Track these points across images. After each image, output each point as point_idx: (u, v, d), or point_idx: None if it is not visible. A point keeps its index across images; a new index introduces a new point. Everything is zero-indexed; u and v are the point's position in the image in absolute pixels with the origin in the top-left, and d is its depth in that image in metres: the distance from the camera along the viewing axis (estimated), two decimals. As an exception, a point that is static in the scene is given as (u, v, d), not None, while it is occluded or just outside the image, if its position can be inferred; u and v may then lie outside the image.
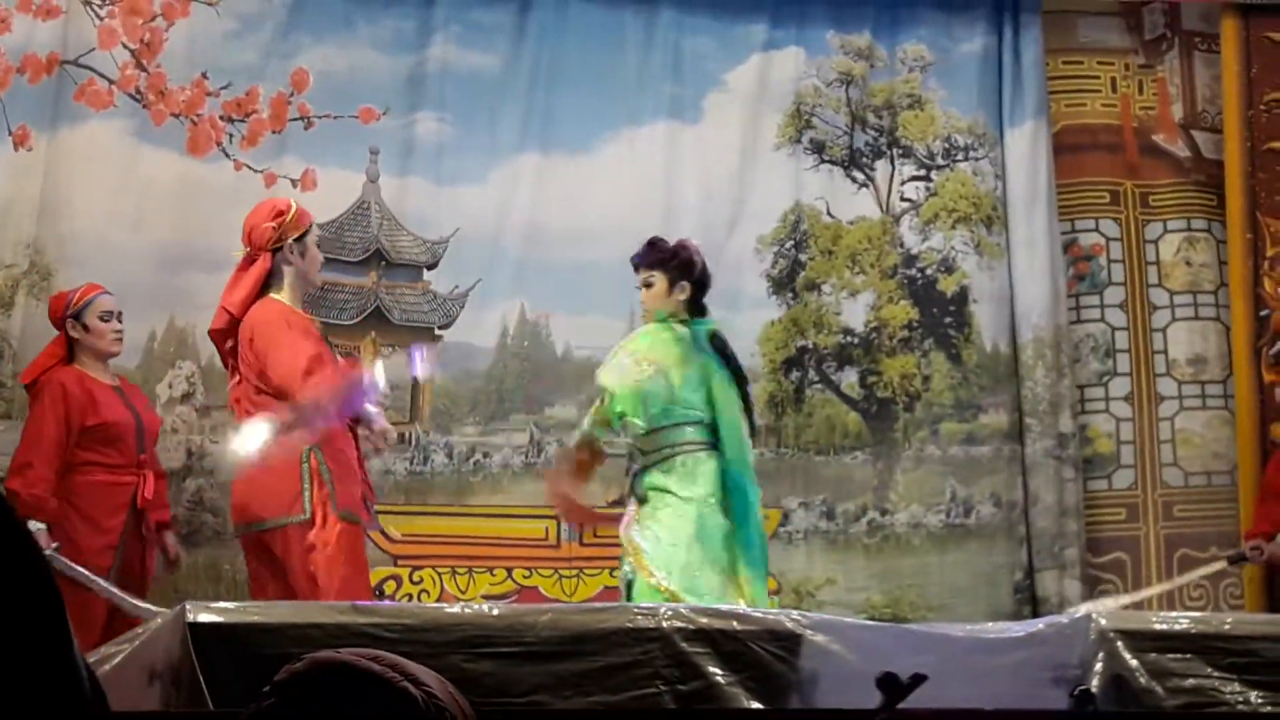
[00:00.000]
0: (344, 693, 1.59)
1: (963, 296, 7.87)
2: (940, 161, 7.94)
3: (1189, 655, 4.20)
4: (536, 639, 4.03)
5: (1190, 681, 4.19)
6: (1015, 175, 7.86)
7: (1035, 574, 7.55)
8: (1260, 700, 4.15)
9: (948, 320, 7.87)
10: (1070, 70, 8.05)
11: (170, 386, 7.10)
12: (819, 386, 7.78)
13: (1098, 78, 8.06)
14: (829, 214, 7.83)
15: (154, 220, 7.12)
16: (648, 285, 5.70)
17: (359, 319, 7.41)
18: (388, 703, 1.58)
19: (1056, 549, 7.55)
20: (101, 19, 7.16)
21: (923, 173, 7.95)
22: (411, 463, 7.39)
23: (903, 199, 7.92)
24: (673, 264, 5.69)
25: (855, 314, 7.80)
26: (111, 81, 7.13)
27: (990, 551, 7.66)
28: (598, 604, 4.95)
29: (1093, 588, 7.51)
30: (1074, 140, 8.00)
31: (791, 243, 7.79)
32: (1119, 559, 7.62)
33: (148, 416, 6.18)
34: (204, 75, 7.23)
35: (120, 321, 6.14)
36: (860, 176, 7.89)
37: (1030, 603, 7.48)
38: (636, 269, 5.76)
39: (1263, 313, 7.67)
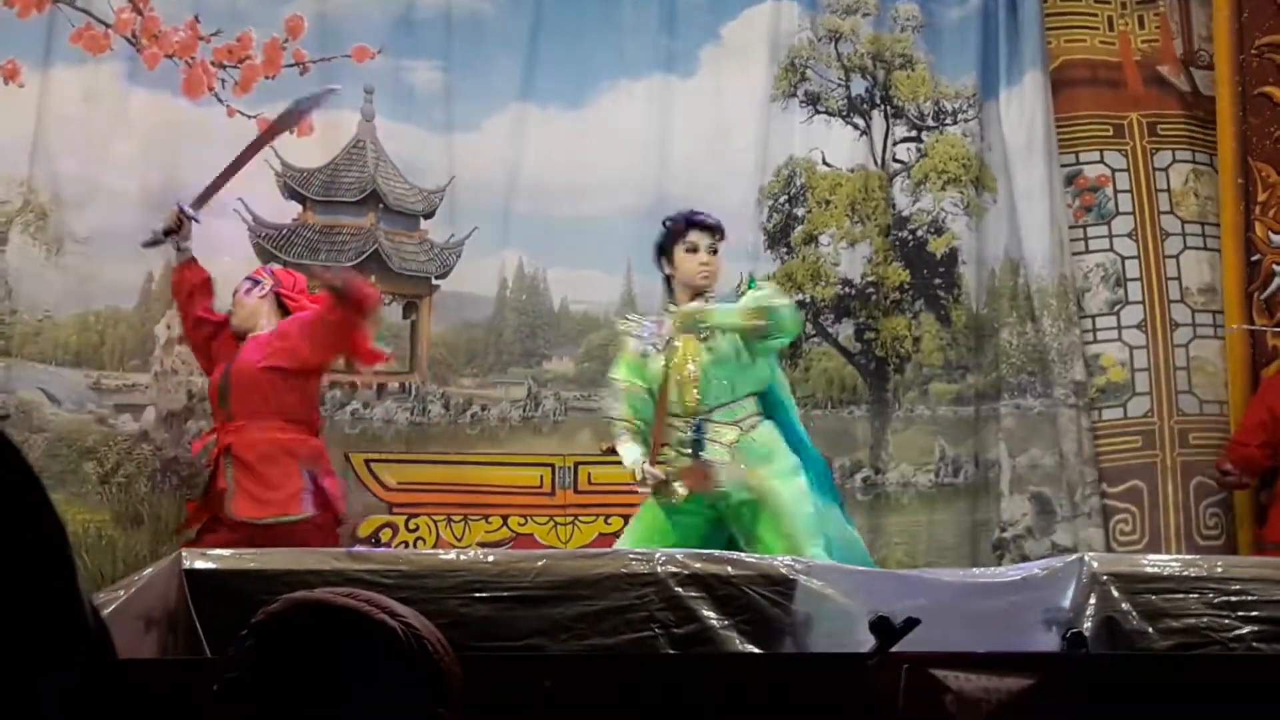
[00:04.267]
0: (322, 630, 1.61)
1: (952, 258, 7.87)
2: (930, 123, 7.93)
3: (1181, 596, 4.22)
4: (532, 584, 4.05)
5: (1182, 622, 4.21)
6: (1015, 128, 7.83)
7: (1059, 524, 7.57)
8: (1252, 638, 4.17)
9: (937, 282, 7.87)
10: (1067, 8, 8.03)
11: (169, 327, 7.13)
12: (816, 340, 7.78)
13: (1095, 15, 8.04)
14: (825, 163, 7.82)
15: (148, 163, 7.13)
16: (714, 252, 5.46)
17: (358, 260, 7.42)
18: (367, 636, 1.60)
19: (1079, 497, 7.57)
20: (100, -40, 7.16)
21: (914, 134, 7.94)
22: (412, 413, 7.41)
23: (895, 159, 7.91)
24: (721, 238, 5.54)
25: (854, 265, 7.80)
26: (108, 25, 7.13)
27: (974, 510, 7.69)
28: (592, 550, 4.97)
29: (1108, 520, 7.55)
30: (1075, 75, 7.98)
31: (785, 197, 7.79)
32: (1135, 487, 7.62)
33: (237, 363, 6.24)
34: (196, 18, 7.23)
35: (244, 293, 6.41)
36: (860, 124, 7.87)
37: (1016, 559, 7.47)
38: (713, 231, 5.51)
39: (1254, 257, 7.67)
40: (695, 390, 5.33)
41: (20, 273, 6.92)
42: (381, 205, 7.48)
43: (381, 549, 6.69)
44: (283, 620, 1.64)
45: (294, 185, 7.39)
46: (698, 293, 5.45)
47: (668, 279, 5.53)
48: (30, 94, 7.04)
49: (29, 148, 7.01)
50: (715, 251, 5.46)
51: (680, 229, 5.48)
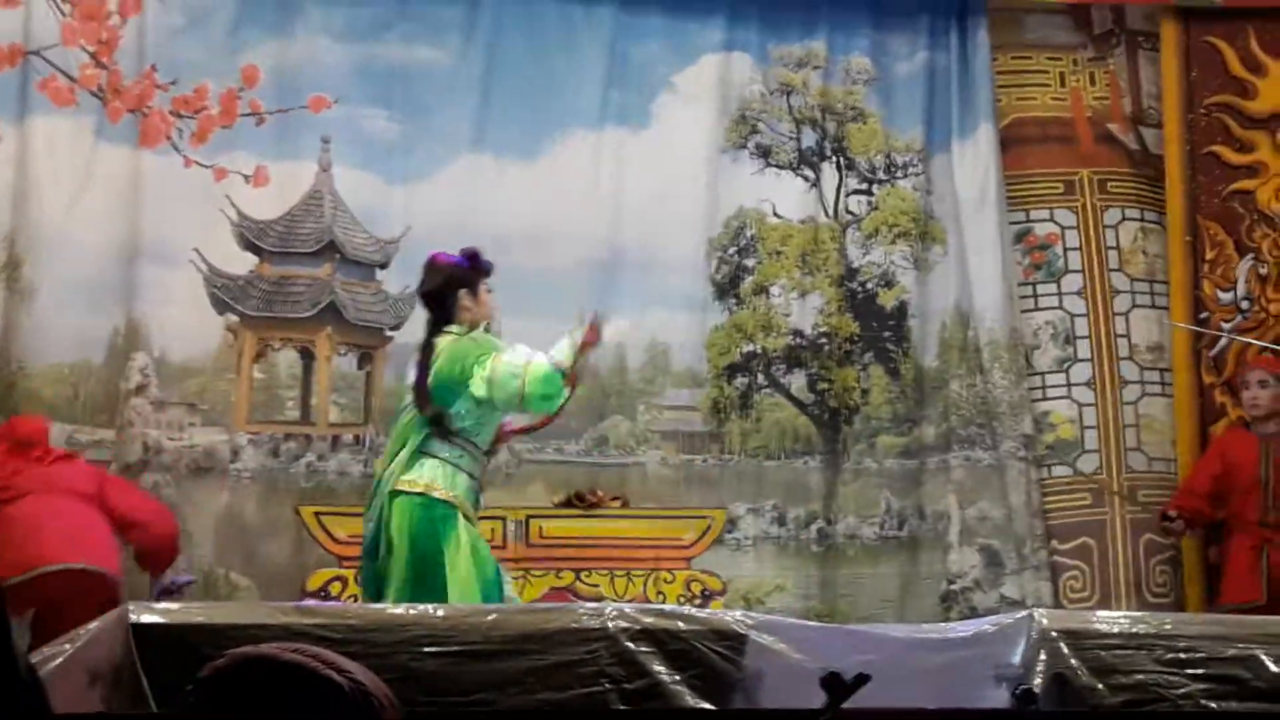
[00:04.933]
0: (269, 685, 1.60)
1: (901, 311, 7.91)
2: (881, 176, 7.97)
3: (1130, 652, 4.24)
4: (482, 639, 4.04)
5: (1132, 679, 4.23)
6: (967, 181, 7.88)
7: (1007, 577, 7.58)
8: (1201, 695, 4.19)
9: (886, 335, 7.90)
10: (1019, 65, 8.09)
11: (127, 380, 7.08)
12: (768, 391, 7.79)
13: (1047, 72, 8.10)
14: (775, 214, 7.85)
15: (113, 215, 7.13)
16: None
17: (314, 312, 7.39)
18: (313, 691, 1.59)
19: (1028, 550, 7.59)
20: (65, 14, 7.15)
21: (865, 186, 7.98)
22: (365, 465, 7.38)
23: (847, 211, 7.95)
24: None
25: (805, 316, 7.83)
26: (73, 79, 7.12)
27: (918, 563, 7.70)
28: (543, 604, 4.96)
29: (1058, 576, 7.57)
30: (1025, 133, 8.03)
31: (735, 249, 7.82)
32: (1085, 544, 7.64)
33: None
34: (153, 68, 7.22)
35: None
36: (811, 175, 7.92)
37: (966, 611, 7.48)
38: (488, 274, 5.67)
39: (1203, 315, 7.73)
40: None
41: (4, 327, 6.90)
42: (339, 255, 7.46)
43: (330, 603, 6.64)
44: (229, 675, 1.63)
45: (250, 237, 7.37)
46: (473, 328, 5.58)
47: (447, 310, 5.57)
48: (7, 148, 7.02)
49: (9, 202, 6.99)
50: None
51: (485, 269, 5.66)
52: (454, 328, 5.55)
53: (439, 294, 5.62)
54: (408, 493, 5.36)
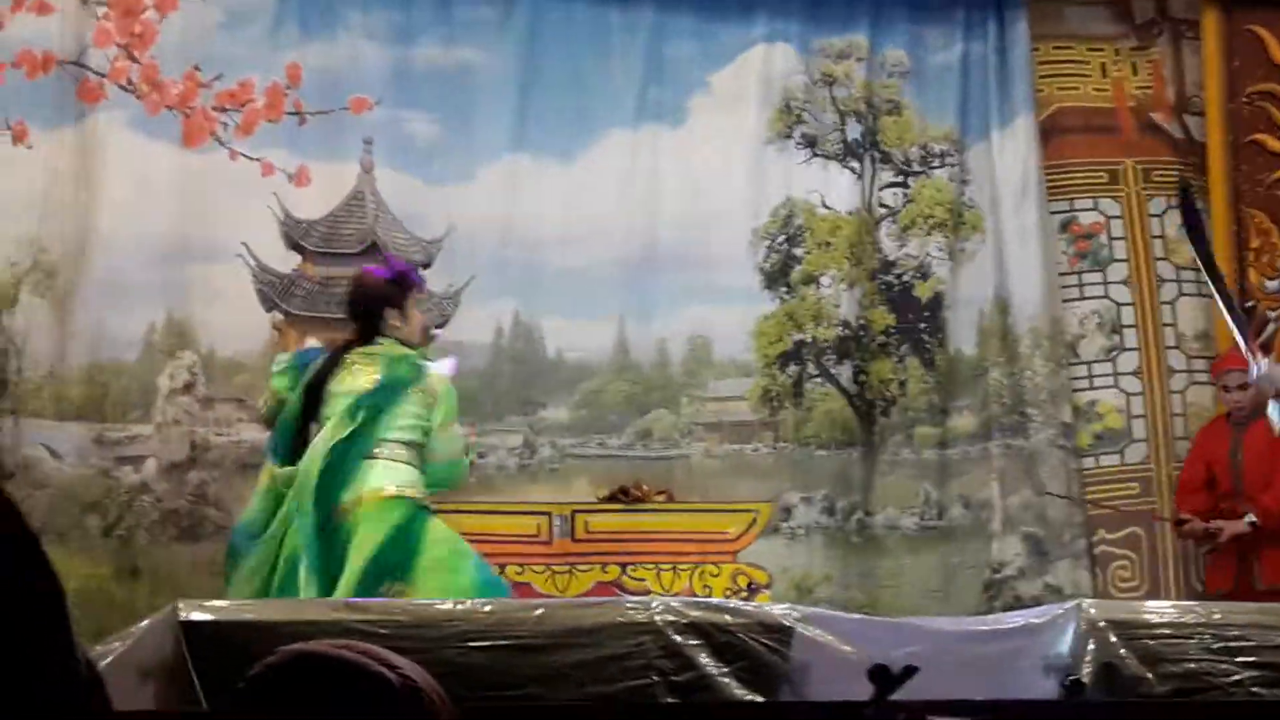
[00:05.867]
0: (320, 682, 1.61)
1: (937, 302, 7.90)
2: (916, 168, 7.96)
3: (1179, 641, 4.23)
4: (529, 633, 4.06)
5: (1181, 667, 4.22)
6: (1007, 171, 7.87)
7: (1050, 565, 7.56)
8: (1250, 682, 4.17)
9: (923, 326, 7.89)
10: (1061, 55, 8.07)
11: (171, 378, 7.12)
12: (818, 380, 7.79)
13: (1088, 63, 8.07)
14: (824, 205, 7.85)
15: (151, 212, 7.15)
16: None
17: (358, 312, 7.41)
18: (363, 687, 1.59)
19: (1067, 539, 7.57)
20: (98, 17, 7.18)
21: (900, 179, 7.96)
22: (410, 464, 7.39)
23: (881, 205, 7.94)
24: None
25: (853, 307, 7.83)
26: (102, 76, 7.15)
27: (961, 552, 7.68)
28: (590, 598, 4.97)
29: (1106, 565, 7.54)
30: (1069, 123, 8.03)
31: (784, 237, 7.82)
32: (1134, 534, 7.62)
33: None
34: (196, 68, 7.24)
35: None
36: (858, 167, 7.91)
37: (1010, 600, 7.46)
38: (416, 291, 5.59)
39: (1248, 304, 7.68)
40: None
41: (29, 332, 6.94)
42: (381, 256, 7.48)
43: (378, 599, 6.66)
44: (279, 672, 1.64)
45: (294, 236, 7.40)
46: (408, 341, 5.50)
47: (374, 327, 5.45)
48: (39, 155, 7.04)
49: (40, 207, 7.03)
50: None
51: (414, 285, 5.60)
52: (384, 341, 5.41)
53: (366, 312, 5.50)
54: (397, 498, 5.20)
